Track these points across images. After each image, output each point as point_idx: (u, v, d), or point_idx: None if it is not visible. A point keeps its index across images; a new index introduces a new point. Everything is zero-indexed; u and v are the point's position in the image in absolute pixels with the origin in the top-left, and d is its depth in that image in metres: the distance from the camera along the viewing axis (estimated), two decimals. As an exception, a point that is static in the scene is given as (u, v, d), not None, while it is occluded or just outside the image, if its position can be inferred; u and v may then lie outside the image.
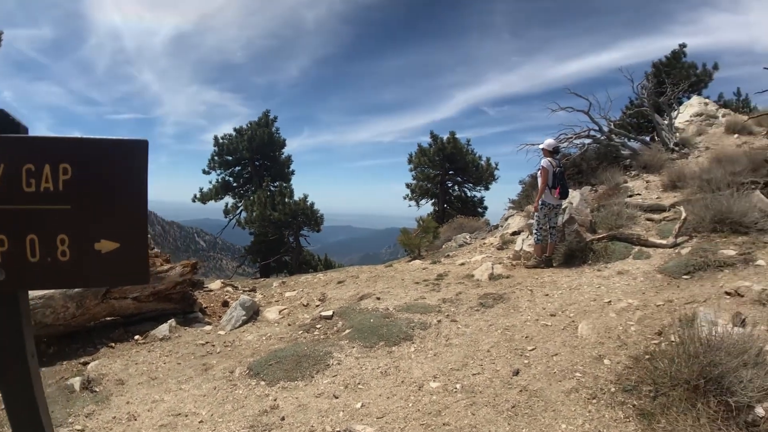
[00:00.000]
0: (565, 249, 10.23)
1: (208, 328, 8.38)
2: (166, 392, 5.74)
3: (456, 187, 32.91)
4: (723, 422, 4.02)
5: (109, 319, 8.15)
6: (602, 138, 15.92)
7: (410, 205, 31.88)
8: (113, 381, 6.14)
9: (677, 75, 23.61)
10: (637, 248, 9.65)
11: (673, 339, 5.10)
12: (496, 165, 31.88)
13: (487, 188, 32.37)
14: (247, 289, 10.85)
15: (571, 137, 15.55)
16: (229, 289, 10.80)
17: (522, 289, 8.68)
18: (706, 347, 4.46)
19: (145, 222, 2.01)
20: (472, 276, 9.99)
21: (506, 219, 14.54)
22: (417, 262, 12.59)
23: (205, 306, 9.37)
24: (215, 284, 11.21)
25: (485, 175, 31.50)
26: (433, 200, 32.35)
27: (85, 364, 6.83)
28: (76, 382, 6.01)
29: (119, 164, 1.96)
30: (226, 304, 9.55)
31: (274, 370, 6.09)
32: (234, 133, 32.87)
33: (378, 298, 8.85)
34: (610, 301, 7.25)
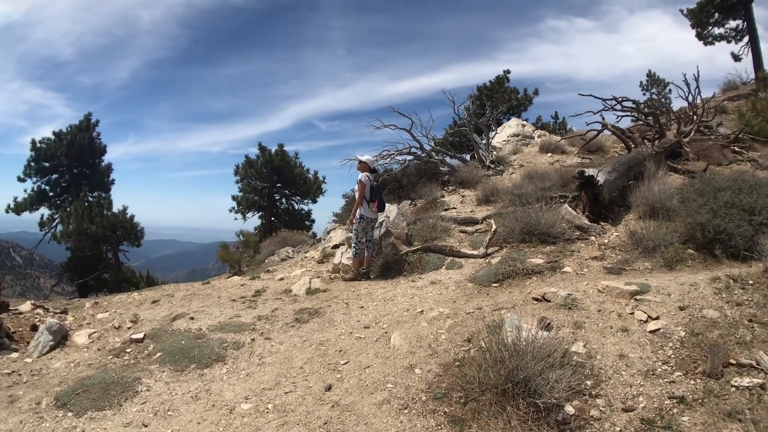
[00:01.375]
0: (382, 261, 10.43)
1: (14, 355, 7.71)
2: (-33, 430, 5.25)
3: (284, 200, 32.69)
4: (534, 423, 4.20)
5: None
6: (423, 155, 16.39)
7: (236, 218, 31.31)
8: None
9: (499, 98, 24.85)
10: (450, 259, 9.98)
11: (482, 345, 5.20)
12: (324, 179, 32.10)
13: (314, 201, 32.43)
14: (58, 311, 10.12)
15: (394, 153, 15.86)
16: (40, 311, 10.05)
17: (338, 302, 8.72)
18: (512, 352, 4.63)
19: None
20: (290, 291, 9.94)
21: (329, 232, 14.57)
22: (236, 278, 12.35)
23: (13, 331, 8.61)
24: (25, 306, 10.42)
25: (313, 189, 31.56)
26: (261, 213, 31.96)
27: None
28: None
29: None
30: (35, 328, 8.81)
31: (81, 399, 5.74)
32: (53, 137, 30.81)
33: (192, 318, 8.58)
34: (422, 311, 7.41)
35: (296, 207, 32.67)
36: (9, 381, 6.67)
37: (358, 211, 10.10)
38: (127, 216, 28.19)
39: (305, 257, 13.31)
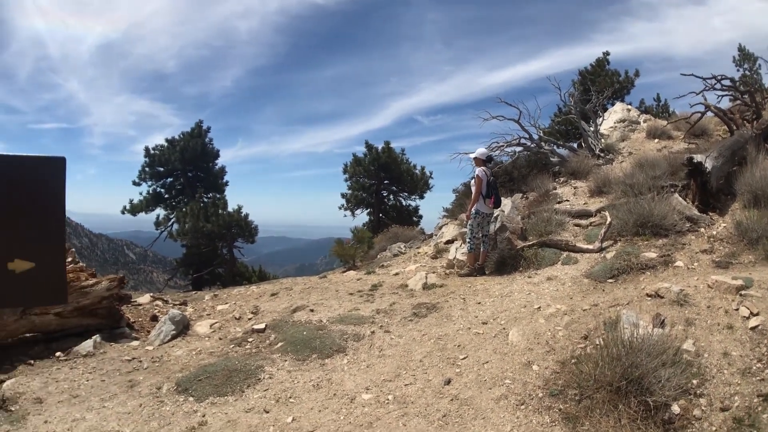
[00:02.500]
0: (497, 257, 10.30)
1: (135, 343, 8.08)
2: (88, 410, 5.51)
3: (391, 197, 32.92)
4: (642, 422, 4.15)
5: (29, 335, 7.83)
6: (532, 146, 16.14)
7: (345, 215, 31.70)
8: (31, 399, 5.85)
9: (602, 82, 24.20)
10: (565, 254, 9.76)
11: (598, 342, 5.19)
12: (431, 174, 32.06)
13: (421, 197, 32.48)
14: (177, 302, 10.55)
15: (503, 145, 15.69)
16: (159, 303, 10.50)
17: (455, 298, 8.69)
18: (628, 349, 4.58)
19: (62, 241, 1.93)
20: (406, 286, 9.97)
21: (440, 228, 14.57)
22: (351, 272, 12.48)
23: (134, 321, 9.06)
24: (144, 298, 10.90)
25: (420, 184, 31.59)
26: (369, 210, 32.27)
27: (1, 382, 6.47)
28: (-11, 401, 5.75)
29: (35, 182, 1.88)
30: (155, 318, 9.26)
31: (203, 385, 5.94)
32: (166, 144, 32.24)
33: (311, 310, 8.73)
34: (539, 307, 7.32)
35: (404, 203, 32.85)
36: (129, 367, 6.94)
37: (474, 206, 10.08)
38: (242, 214, 29.17)
39: (418, 253, 13.34)
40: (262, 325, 8.15)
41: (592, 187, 13.51)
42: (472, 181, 10.20)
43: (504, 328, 6.81)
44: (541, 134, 16.85)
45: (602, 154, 16.41)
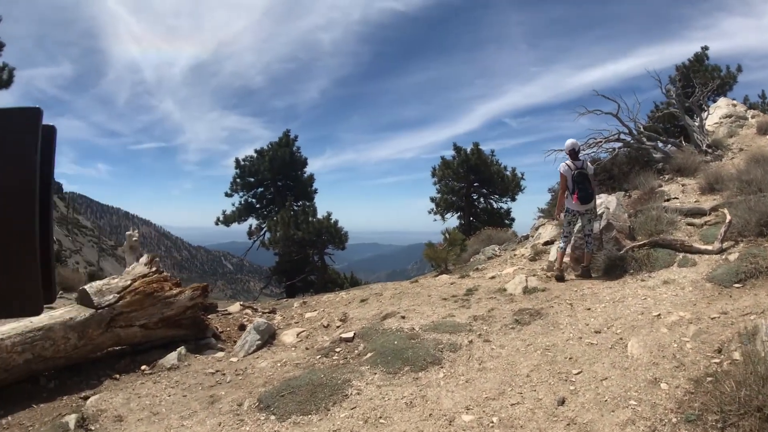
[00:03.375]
0: (604, 258, 9.48)
1: (220, 354, 7.85)
2: (166, 429, 5.21)
3: (481, 199, 31.93)
4: None
5: (116, 348, 7.66)
6: (632, 141, 15.18)
7: (435, 219, 30.92)
8: (111, 417, 5.61)
9: (702, 77, 22.97)
10: (681, 255, 8.87)
11: (736, 357, 4.46)
12: (522, 175, 30.93)
13: (513, 199, 31.31)
14: (266, 310, 10.34)
15: (600, 141, 14.83)
16: (248, 311, 10.31)
17: (561, 303, 7.98)
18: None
19: (33, 228, 1.26)
20: (505, 290, 9.28)
21: (536, 229, 13.87)
22: (444, 276, 11.84)
23: (221, 330, 8.87)
24: (234, 307, 10.74)
25: (511, 186, 30.58)
26: (459, 213, 31.48)
27: (86, 398, 6.31)
28: (71, 419, 5.58)
29: None
30: (242, 327, 9.00)
31: (286, 402, 5.52)
32: (255, 155, 32.44)
33: (403, 317, 8.17)
34: (659, 315, 6.55)
35: (495, 206, 31.75)
36: (212, 380, 6.69)
37: (562, 203, 9.58)
38: (332, 221, 28.93)
39: (514, 255, 12.63)
40: (351, 334, 7.71)
41: (702, 184, 12.52)
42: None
43: (621, 338, 6.08)
44: (641, 129, 15.78)
45: (710, 150, 15.39)
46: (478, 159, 29.50)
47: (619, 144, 15.08)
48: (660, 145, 15.77)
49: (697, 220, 10.32)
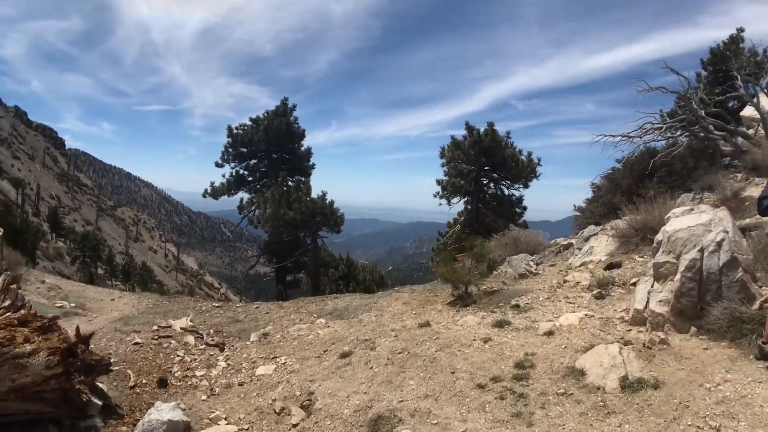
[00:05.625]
0: (726, 315, 5.95)
1: None
2: None
3: (491, 185, 29.14)
4: None
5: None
6: (697, 129, 12.26)
7: (441, 204, 28.35)
8: None
9: (741, 62, 20.25)
10: None
11: None
12: (539, 161, 27.91)
13: (526, 186, 28.45)
14: (212, 342, 7.78)
15: (659, 126, 11.94)
16: (190, 338, 7.86)
17: (700, 421, 4.50)
18: None
19: None
20: (583, 374, 5.63)
21: (586, 239, 10.83)
22: (470, 319, 8.19)
23: (133, 385, 6.20)
24: (180, 323, 8.33)
25: (525, 172, 27.59)
26: (466, 198, 28.74)
27: None
28: None
29: None
30: (162, 383, 6.23)
31: None
32: (250, 123, 30.00)
33: (409, 432, 5.02)
34: None
35: (506, 192, 29.13)
36: None
37: None
38: (326, 202, 26.49)
39: (564, 281, 9.33)
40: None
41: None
42: None
43: None
44: (703, 114, 12.78)
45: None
46: (492, 140, 26.72)
47: (679, 132, 12.21)
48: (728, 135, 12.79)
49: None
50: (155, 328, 8.52)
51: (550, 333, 7.03)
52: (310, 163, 31.69)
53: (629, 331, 6.79)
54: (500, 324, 7.72)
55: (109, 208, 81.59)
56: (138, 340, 7.89)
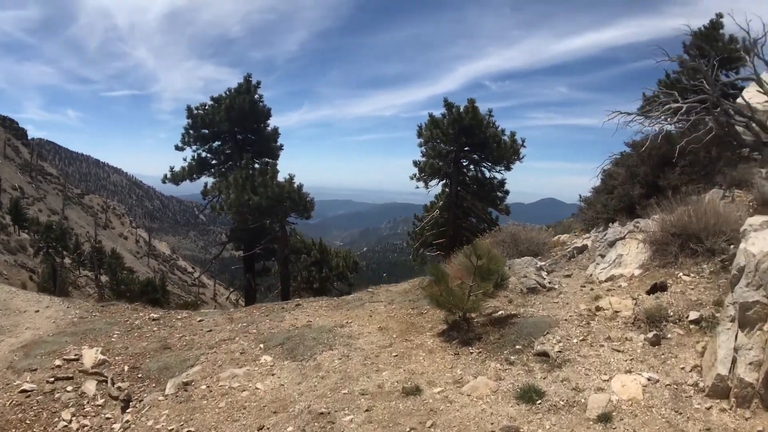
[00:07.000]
0: None
1: None
2: None
3: (472, 166, 27.53)
4: None
5: None
6: (718, 113, 10.38)
7: (418, 187, 26.92)
8: None
9: (720, 49, 18.70)
10: None
11: None
12: (523, 142, 26.37)
13: (508, 168, 26.97)
14: (115, 394, 5.92)
15: (681, 107, 9.99)
16: (88, 385, 5.95)
17: None
18: None
19: None
20: None
21: (611, 244, 8.83)
22: (481, 382, 5.92)
23: None
24: (90, 355, 6.50)
25: (508, 153, 25.96)
26: (445, 180, 27.18)
27: None
28: None
29: None
30: None
31: None
32: (211, 102, 27.69)
33: None
34: None
35: (487, 175, 27.52)
36: None
37: None
38: (295, 186, 24.53)
39: (597, 309, 7.12)
40: None
41: None
42: None
43: None
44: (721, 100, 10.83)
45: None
46: (473, 119, 24.96)
47: (703, 114, 10.26)
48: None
49: None
50: (58, 363, 6.77)
51: (606, 418, 4.86)
52: (278, 144, 29.67)
53: (709, 408, 4.79)
54: (527, 395, 5.47)
55: (76, 196, 79.73)
56: (27, 387, 6.15)
